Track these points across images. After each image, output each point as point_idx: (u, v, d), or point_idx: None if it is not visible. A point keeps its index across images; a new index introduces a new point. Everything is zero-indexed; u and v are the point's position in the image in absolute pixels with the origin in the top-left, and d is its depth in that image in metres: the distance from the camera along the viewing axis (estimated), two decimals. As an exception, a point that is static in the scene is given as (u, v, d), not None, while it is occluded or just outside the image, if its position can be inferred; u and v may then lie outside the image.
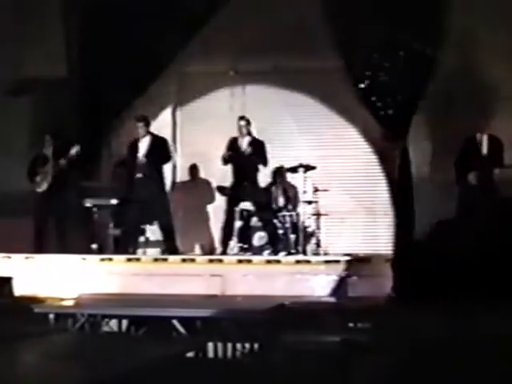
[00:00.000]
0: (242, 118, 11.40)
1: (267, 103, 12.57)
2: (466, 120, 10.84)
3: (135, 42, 11.76)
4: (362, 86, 11.46)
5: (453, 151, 10.62)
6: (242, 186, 11.09)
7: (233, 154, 11.18)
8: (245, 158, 11.18)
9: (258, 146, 11.23)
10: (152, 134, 11.14)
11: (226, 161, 11.27)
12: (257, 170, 11.35)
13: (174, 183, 12.81)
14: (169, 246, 10.92)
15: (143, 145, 11.04)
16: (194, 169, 12.69)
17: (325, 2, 11.51)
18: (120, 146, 11.87)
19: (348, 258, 9.52)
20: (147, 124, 11.14)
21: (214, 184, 12.21)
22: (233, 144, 11.33)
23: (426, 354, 1.76)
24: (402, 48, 11.10)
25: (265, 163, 11.24)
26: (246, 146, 11.23)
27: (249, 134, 11.36)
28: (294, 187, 11.56)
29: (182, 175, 12.94)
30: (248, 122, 11.33)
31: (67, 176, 11.02)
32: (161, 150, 11.09)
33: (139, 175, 10.81)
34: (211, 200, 12.45)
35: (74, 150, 10.83)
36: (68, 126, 11.92)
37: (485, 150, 10.41)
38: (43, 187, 10.95)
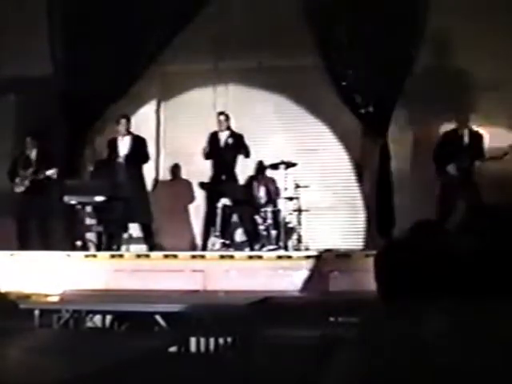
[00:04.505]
0: (221, 113, 11.50)
1: (250, 100, 12.63)
2: (445, 116, 10.98)
3: (118, 41, 11.81)
4: (343, 83, 11.56)
5: (432, 147, 10.73)
6: (222, 180, 11.14)
7: (213, 148, 11.27)
8: (225, 151, 11.29)
9: (237, 139, 11.31)
10: (132, 134, 11.18)
11: (206, 155, 11.37)
12: (235, 163, 11.42)
13: (156, 181, 12.87)
14: (149, 243, 11.01)
15: (124, 144, 11.08)
16: (175, 168, 12.78)
17: (306, 0, 11.61)
18: (103, 145, 11.91)
19: (329, 253, 9.62)
20: (128, 122, 11.16)
21: (196, 181, 12.26)
22: (213, 138, 11.44)
23: (408, 350, 1.81)
24: (382, 46, 11.19)
25: (247, 154, 11.31)
26: (226, 141, 11.31)
27: (228, 128, 11.44)
28: (274, 182, 11.65)
29: (165, 173, 13.00)
30: (227, 117, 11.43)
31: (45, 184, 11.06)
32: (140, 151, 11.14)
33: (120, 174, 10.86)
34: (192, 199, 12.52)
35: (50, 172, 10.83)
36: (50, 126, 11.94)
37: (465, 142, 10.50)
38: (21, 189, 11.03)
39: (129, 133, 11.15)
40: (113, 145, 11.17)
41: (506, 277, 1.92)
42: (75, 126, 12.08)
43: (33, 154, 11.19)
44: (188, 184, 12.57)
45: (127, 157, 10.96)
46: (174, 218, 12.51)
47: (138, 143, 11.14)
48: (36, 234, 11.07)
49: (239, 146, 11.27)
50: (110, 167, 11.02)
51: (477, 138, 10.45)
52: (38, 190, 10.97)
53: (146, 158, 11.28)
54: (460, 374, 1.73)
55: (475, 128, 10.54)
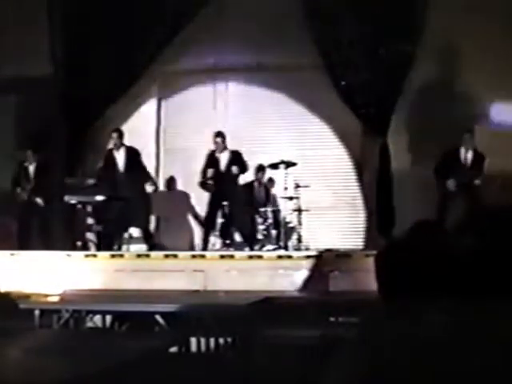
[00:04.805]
0: (218, 134, 11.18)
1: (250, 100, 12.64)
2: (445, 117, 10.98)
3: (118, 42, 11.82)
4: (343, 83, 11.57)
5: (432, 147, 10.74)
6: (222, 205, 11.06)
7: (213, 183, 11.10)
8: (227, 175, 11.07)
9: (236, 158, 11.10)
10: (126, 146, 11.15)
11: (205, 187, 11.31)
12: (237, 183, 11.33)
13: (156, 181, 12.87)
14: (149, 243, 11.01)
15: (120, 157, 11.06)
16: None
17: (306, 0, 11.63)
18: (103, 146, 11.93)
19: (329, 253, 9.62)
20: (121, 136, 11.12)
21: (196, 180, 12.23)
22: (211, 159, 11.18)
23: (408, 350, 1.80)
24: (383, 46, 11.21)
25: (244, 171, 11.18)
26: (226, 162, 11.10)
27: (225, 148, 11.17)
28: (273, 182, 11.64)
29: (165, 172, 13.00)
30: (224, 138, 11.15)
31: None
32: (136, 162, 11.11)
33: (120, 185, 10.87)
34: (192, 199, 12.52)
35: (39, 201, 11.02)
36: (50, 126, 11.96)
37: (468, 161, 10.50)
38: (22, 198, 11.07)
39: (122, 145, 11.11)
40: (110, 157, 11.15)
41: (505, 277, 1.92)
42: (75, 126, 12.10)
43: (31, 167, 11.21)
44: (188, 183, 12.54)
45: (126, 170, 10.96)
46: (175, 218, 12.51)
47: (133, 154, 11.11)
48: (37, 233, 11.08)
49: (238, 164, 11.05)
50: (109, 179, 11.02)
51: (478, 158, 10.45)
52: (39, 195, 11.05)
53: (142, 169, 11.26)
54: (460, 374, 1.73)
55: (478, 148, 10.50)
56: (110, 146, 11.28)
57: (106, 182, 10.99)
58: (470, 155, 10.55)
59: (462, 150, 10.58)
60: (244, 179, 11.67)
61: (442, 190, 10.39)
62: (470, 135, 10.56)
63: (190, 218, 12.57)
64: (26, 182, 11.10)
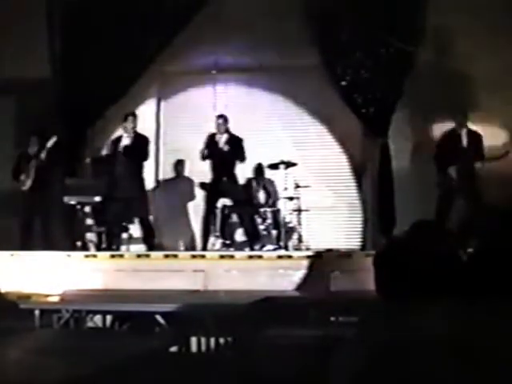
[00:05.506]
0: (220, 116, 11.30)
1: (250, 100, 12.63)
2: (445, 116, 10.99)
3: (118, 42, 11.82)
4: (344, 83, 11.56)
5: (432, 147, 10.74)
6: (222, 181, 11.07)
7: (211, 151, 11.14)
8: (223, 154, 11.09)
9: (236, 143, 11.12)
10: (136, 132, 11.12)
11: (204, 157, 11.28)
12: (234, 165, 11.28)
13: (156, 181, 12.86)
14: (148, 243, 10.99)
15: (126, 141, 11.03)
16: (178, 165, 12.72)
17: (307, 1, 11.63)
18: (103, 145, 11.92)
19: (330, 252, 9.62)
20: (135, 120, 11.09)
21: (196, 181, 12.23)
22: (211, 140, 11.25)
23: (407, 349, 1.81)
24: (383, 46, 11.21)
25: (242, 159, 11.15)
26: (224, 144, 11.14)
27: (227, 131, 11.24)
28: (273, 183, 11.64)
29: (165, 172, 12.98)
30: (226, 120, 11.23)
31: (49, 171, 11.07)
32: (141, 148, 11.03)
33: (120, 169, 10.84)
34: (192, 197, 12.49)
35: (50, 142, 10.88)
36: (51, 126, 11.94)
37: (465, 143, 10.47)
38: (27, 185, 11.01)
39: (134, 131, 11.09)
40: (116, 142, 11.13)
41: (505, 277, 1.92)
42: (75, 127, 12.07)
43: (33, 149, 11.17)
44: (188, 184, 12.54)
45: (128, 152, 10.90)
46: (174, 218, 12.50)
47: (141, 141, 11.07)
48: (37, 234, 11.06)
49: (237, 149, 11.09)
50: (110, 162, 11.00)
51: (475, 138, 10.42)
52: (44, 181, 10.99)
53: (145, 156, 11.15)
54: (459, 373, 1.73)
55: (473, 128, 10.50)
56: (117, 133, 11.26)
57: (106, 167, 10.96)
58: (465, 137, 10.44)
59: (457, 130, 10.51)
60: (244, 178, 11.67)
61: (443, 182, 10.32)
62: (462, 115, 10.52)
63: (191, 218, 12.57)
64: (29, 163, 11.05)
